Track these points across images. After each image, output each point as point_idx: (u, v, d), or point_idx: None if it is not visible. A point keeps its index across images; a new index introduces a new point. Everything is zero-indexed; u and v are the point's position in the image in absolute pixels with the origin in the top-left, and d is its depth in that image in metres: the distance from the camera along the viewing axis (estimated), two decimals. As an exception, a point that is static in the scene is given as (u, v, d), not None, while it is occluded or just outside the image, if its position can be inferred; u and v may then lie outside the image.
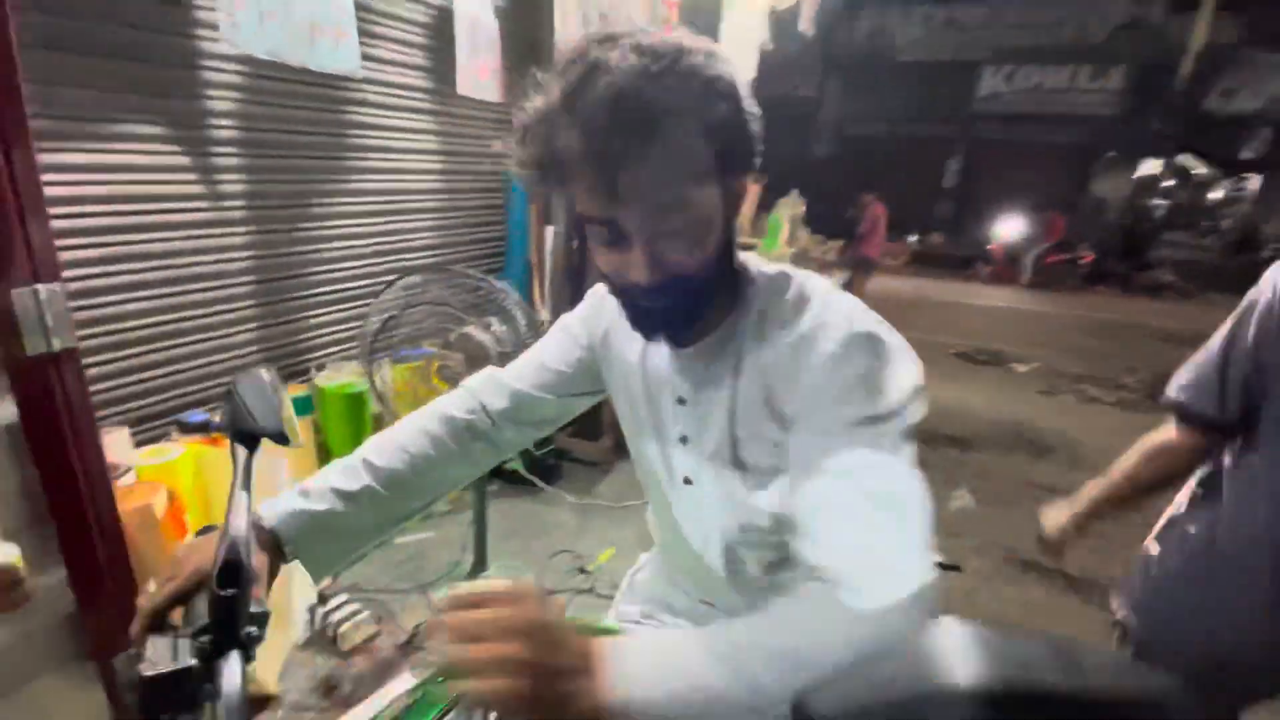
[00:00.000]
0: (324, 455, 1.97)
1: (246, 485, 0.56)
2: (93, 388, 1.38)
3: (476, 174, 2.62)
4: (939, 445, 3.82)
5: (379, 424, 2.04)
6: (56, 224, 1.08)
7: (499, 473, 2.54)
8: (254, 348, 1.92)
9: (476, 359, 1.70)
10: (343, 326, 2.19)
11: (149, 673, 0.48)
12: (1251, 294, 0.85)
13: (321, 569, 0.69)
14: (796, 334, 0.59)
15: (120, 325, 1.56)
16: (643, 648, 0.49)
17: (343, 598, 1.80)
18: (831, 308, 0.60)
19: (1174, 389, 0.94)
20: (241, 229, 1.78)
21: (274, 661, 1.55)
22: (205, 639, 0.50)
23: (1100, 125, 10.43)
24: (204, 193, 1.66)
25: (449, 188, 2.49)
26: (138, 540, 1.21)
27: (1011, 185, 11.29)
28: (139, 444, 1.50)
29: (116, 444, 1.36)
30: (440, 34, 2.18)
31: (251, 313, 1.88)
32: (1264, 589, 0.83)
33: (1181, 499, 0.98)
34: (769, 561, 0.69)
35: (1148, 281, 10.65)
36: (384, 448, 0.72)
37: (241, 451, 0.58)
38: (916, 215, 11.54)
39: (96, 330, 1.51)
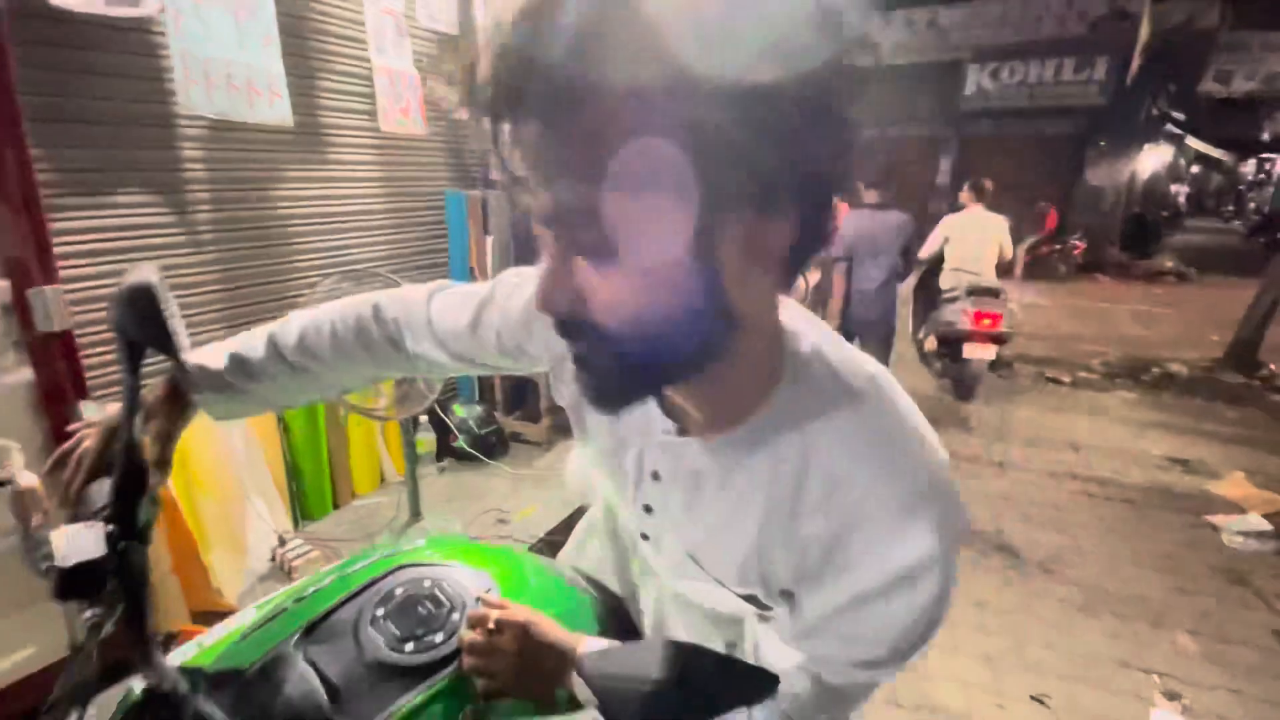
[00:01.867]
0: (282, 428, 2.38)
1: (135, 389, 0.61)
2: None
3: (416, 194, 3.07)
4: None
5: (330, 408, 2.47)
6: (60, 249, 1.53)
7: (446, 450, 2.95)
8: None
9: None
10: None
11: (68, 564, 0.53)
12: None
13: (221, 417, 0.77)
14: (851, 477, 0.46)
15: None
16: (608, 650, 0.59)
17: (298, 541, 2.22)
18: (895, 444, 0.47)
19: None
20: (210, 248, 2.24)
21: (235, 583, 1.97)
22: (111, 528, 0.56)
23: (1091, 115, 10.48)
24: (176, 221, 2.12)
25: (392, 207, 2.94)
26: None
27: (1004, 180, 11.38)
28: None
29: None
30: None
31: (218, 316, 2.35)
32: None
33: None
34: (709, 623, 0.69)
35: (1147, 268, 10.62)
36: (305, 337, 0.74)
37: (126, 359, 0.61)
38: (910, 212, 11.69)
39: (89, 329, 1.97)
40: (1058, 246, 10.21)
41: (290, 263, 2.54)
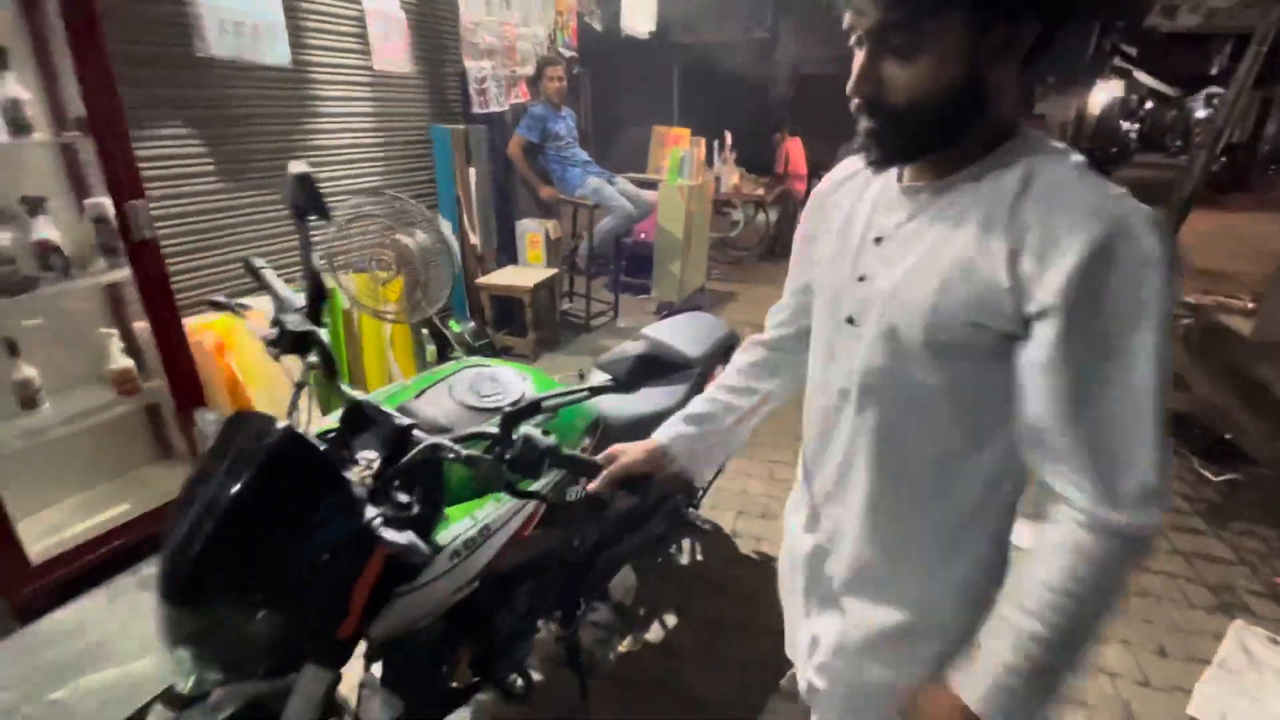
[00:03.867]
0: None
1: (307, 241, 1.02)
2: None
3: (405, 128, 3.38)
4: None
5: (347, 317, 2.86)
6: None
7: (445, 358, 3.38)
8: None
9: (404, 258, 2.50)
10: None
11: (297, 330, 1.05)
12: None
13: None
14: (1095, 214, 0.56)
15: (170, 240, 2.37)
16: (997, 686, 0.63)
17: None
18: (1131, 205, 0.57)
19: None
20: (233, 180, 2.57)
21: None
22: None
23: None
24: (210, 153, 2.44)
25: (383, 140, 3.26)
26: (201, 363, 2.05)
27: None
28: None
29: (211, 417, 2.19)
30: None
31: (249, 236, 2.69)
32: None
33: None
34: (894, 412, 0.73)
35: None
36: (733, 383, 1.01)
37: (297, 221, 1.02)
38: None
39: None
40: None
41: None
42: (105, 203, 1.83)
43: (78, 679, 1.58)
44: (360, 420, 1.06)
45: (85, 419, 1.88)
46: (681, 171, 4.45)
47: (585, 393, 0.99)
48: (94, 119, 1.70)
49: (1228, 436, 3.09)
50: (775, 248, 6.60)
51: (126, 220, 1.77)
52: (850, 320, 0.73)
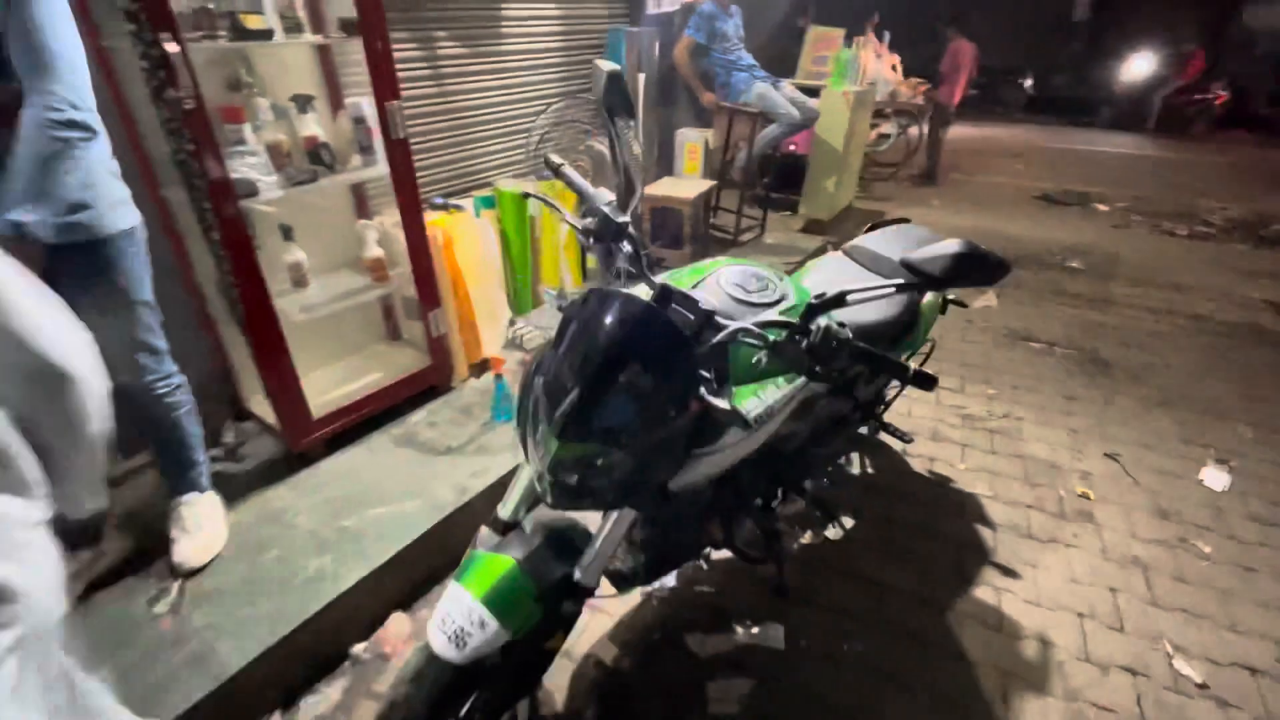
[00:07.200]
0: (502, 239, 2.97)
1: (615, 136, 1.14)
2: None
3: (585, 32, 3.37)
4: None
5: (532, 224, 3.02)
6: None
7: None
8: (457, 165, 2.94)
9: (600, 164, 2.58)
10: (507, 152, 3.17)
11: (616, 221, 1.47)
12: None
13: None
14: None
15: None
16: None
17: (522, 323, 2.88)
18: None
19: None
20: (449, 80, 2.71)
21: (494, 346, 2.66)
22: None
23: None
24: (422, 57, 2.58)
25: (565, 45, 3.28)
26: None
27: (1151, 17, 10.06)
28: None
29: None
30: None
31: (459, 138, 2.87)
32: None
33: None
34: None
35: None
36: None
37: (610, 121, 1.14)
38: (1040, 54, 10.66)
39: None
40: (1196, 96, 9.20)
41: (493, 96, 3.00)
42: (362, 103, 2.01)
43: (362, 511, 1.92)
44: (664, 305, 1.17)
45: (346, 300, 2.16)
46: (845, 75, 4.17)
47: (892, 289, 1.03)
48: (363, 20, 1.83)
49: None
50: (934, 169, 6.13)
51: (385, 119, 1.94)
52: None
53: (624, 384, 0.97)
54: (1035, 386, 2.88)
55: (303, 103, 2.01)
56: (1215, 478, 2.30)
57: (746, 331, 1.07)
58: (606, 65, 1.20)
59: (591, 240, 1.19)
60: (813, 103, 3.99)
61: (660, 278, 1.35)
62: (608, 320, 1.01)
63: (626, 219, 1.16)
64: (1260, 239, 4.94)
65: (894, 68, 5.60)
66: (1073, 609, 1.80)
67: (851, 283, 1.83)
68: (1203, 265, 4.38)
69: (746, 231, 4.24)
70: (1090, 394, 2.82)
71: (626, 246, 1.17)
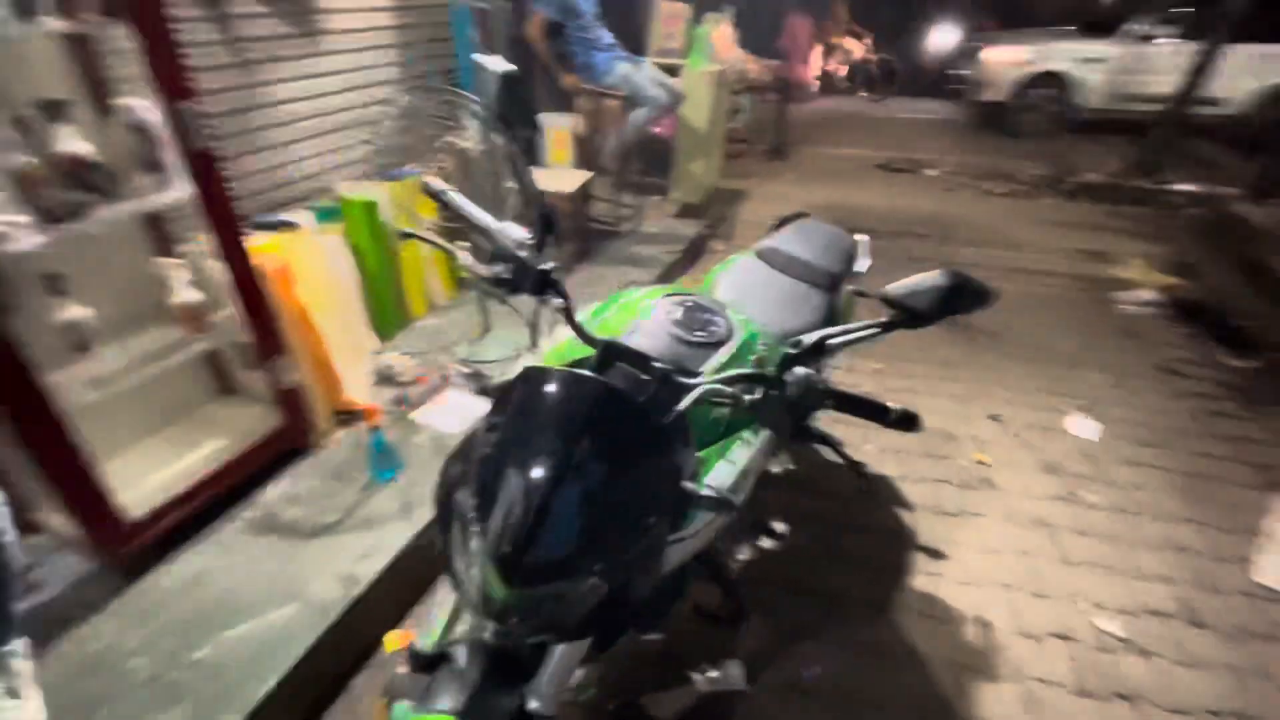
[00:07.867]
0: (354, 255, 2.52)
1: (522, 160, 0.99)
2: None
3: (424, 7, 2.94)
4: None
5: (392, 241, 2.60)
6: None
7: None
8: (281, 172, 2.43)
9: (463, 162, 2.24)
10: (343, 149, 2.68)
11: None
12: None
13: None
14: None
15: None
16: None
17: (392, 353, 2.49)
18: None
19: None
20: (259, 80, 2.20)
21: (362, 387, 2.25)
22: None
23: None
24: (236, 60, 2.06)
25: (400, 23, 2.83)
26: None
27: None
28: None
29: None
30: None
31: (280, 138, 2.36)
32: None
33: None
34: None
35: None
36: None
37: (508, 134, 0.98)
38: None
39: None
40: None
41: (325, 78, 2.51)
42: (141, 105, 1.53)
43: (219, 634, 1.51)
44: (606, 364, 0.95)
45: (152, 363, 1.68)
46: (704, 55, 4.08)
47: (877, 329, 0.90)
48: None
49: (1240, 323, 3.25)
50: (783, 145, 6.29)
51: (179, 126, 1.48)
52: None
53: (589, 494, 0.75)
54: (916, 356, 3.02)
55: (52, 111, 1.48)
56: (1085, 426, 2.53)
57: (716, 392, 0.89)
58: (495, 64, 0.94)
59: (506, 292, 0.94)
60: (675, 83, 3.85)
61: (591, 326, 1.12)
62: (558, 412, 0.78)
63: (549, 265, 0.92)
64: (1065, 193, 5.64)
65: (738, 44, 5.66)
66: (997, 581, 1.87)
67: (767, 288, 1.74)
68: (1027, 222, 4.91)
69: (625, 221, 4.06)
70: (963, 359, 3.02)
71: (555, 299, 0.93)
